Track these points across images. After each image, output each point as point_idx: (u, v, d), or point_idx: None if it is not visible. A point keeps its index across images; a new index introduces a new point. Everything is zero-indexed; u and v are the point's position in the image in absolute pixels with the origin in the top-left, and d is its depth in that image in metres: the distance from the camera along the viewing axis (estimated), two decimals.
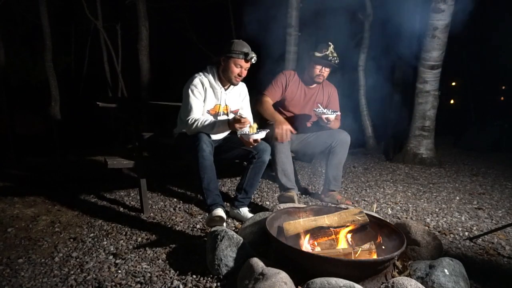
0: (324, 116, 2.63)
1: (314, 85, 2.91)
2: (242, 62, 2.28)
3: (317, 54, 2.73)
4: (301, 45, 5.43)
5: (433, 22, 4.42)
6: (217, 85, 2.38)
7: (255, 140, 2.20)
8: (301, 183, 3.53)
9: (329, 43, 2.75)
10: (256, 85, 3.02)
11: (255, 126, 2.22)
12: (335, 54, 2.73)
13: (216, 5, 9.55)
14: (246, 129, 2.33)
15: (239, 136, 2.25)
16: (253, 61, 2.29)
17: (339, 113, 2.73)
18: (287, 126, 2.57)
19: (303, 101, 2.92)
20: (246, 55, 2.25)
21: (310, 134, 2.94)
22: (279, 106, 2.93)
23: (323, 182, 2.97)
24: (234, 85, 2.42)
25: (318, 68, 2.78)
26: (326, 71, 2.81)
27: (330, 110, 2.71)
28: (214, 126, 2.18)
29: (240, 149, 2.38)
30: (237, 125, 2.11)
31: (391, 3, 4.52)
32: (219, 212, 2.07)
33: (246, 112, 2.60)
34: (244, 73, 2.35)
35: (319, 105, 2.83)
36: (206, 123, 2.20)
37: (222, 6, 9.51)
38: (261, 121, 2.82)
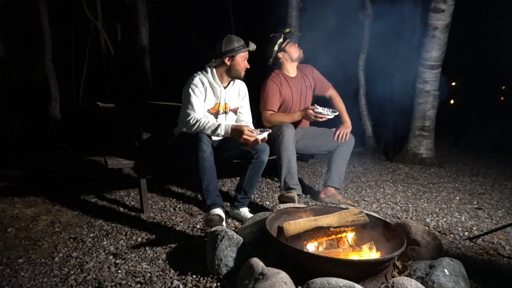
0: (327, 118, 2.66)
1: (295, 73, 2.93)
2: (246, 54, 2.38)
3: (281, 40, 2.81)
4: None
5: (433, 22, 4.42)
6: (217, 84, 2.39)
7: (257, 140, 2.20)
8: (301, 183, 3.52)
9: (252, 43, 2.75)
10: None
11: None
12: (287, 29, 2.89)
13: (216, 5, 9.54)
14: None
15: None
16: (251, 49, 2.39)
17: (337, 112, 2.73)
18: (307, 109, 2.68)
19: (296, 96, 2.91)
20: (247, 45, 2.36)
21: (314, 134, 2.95)
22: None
23: (324, 181, 2.96)
24: (241, 79, 2.47)
25: (295, 45, 2.87)
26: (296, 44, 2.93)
27: (330, 110, 2.71)
28: (216, 132, 2.19)
29: (239, 149, 2.38)
30: (245, 137, 2.13)
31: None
32: (218, 211, 2.07)
33: (245, 111, 2.60)
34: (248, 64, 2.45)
35: (316, 105, 2.82)
36: (208, 125, 2.20)
37: (222, 6, 9.51)
38: (261, 125, 2.82)
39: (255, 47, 2.40)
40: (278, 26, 5.35)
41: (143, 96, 6.16)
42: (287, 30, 2.87)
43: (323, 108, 2.70)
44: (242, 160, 2.47)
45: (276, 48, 2.82)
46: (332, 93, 3.05)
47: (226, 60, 2.33)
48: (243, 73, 2.42)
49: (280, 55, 2.85)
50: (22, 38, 9.85)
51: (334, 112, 2.69)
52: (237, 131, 2.16)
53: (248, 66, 2.42)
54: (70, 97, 11.52)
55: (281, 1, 5.36)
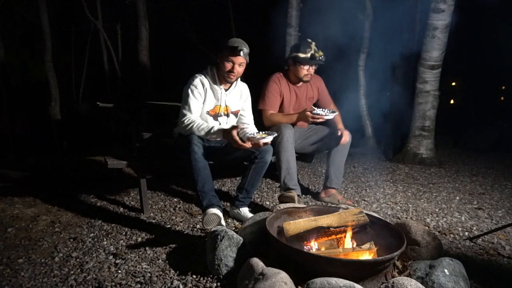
0: (325, 118, 2.65)
1: (300, 84, 2.91)
2: (232, 57, 2.24)
3: (302, 55, 2.71)
4: None
5: (433, 22, 4.42)
6: (217, 86, 2.37)
7: (264, 143, 2.16)
8: (301, 183, 3.53)
9: (309, 40, 2.72)
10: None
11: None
12: (320, 52, 2.73)
13: (216, 5, 9.54)
14: (248, 131, 2.34)
15: (247, 137, 2.18)
16: (241, 54, 2.24)
17: (336, 113, 2.71)
18: (305, 111, 2.61)
19: (296, 102, 2.91)
20: (233, 48, 2.22)
21: (311, 133, 2.95)
22: None
23: (323, 181, 2.97)
24: (229, 82, 2.38)
25: (305, 68, 2.76)
26: (312, 69, 2.81)
27: (329, 111, 2.70)
28: (209, 133, 2.18)
29: (242, 150, 2.38)
30: (235, 138, 2.10)
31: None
32: (215, 211, 2.07)
33: (247, 114, 2.59)
34: (238, 70, 2.29)
35: (314, 107, 2.80)
36: (202, 127, 2.19)
37: (222, 6, 9.51)
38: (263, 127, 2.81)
39: (244, 53, 2.25)
40: (282, 27, 5.34)
41: (143, 96, 6.17)
42: (318, 54, 2.72)
43: (322, 110, 2.69)
44: (245, 161, 2.47)
45: (294, 55, 2.72)
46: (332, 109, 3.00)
47: (218, 59, 2.32)
48: (226, 75, 2.29)
49: (290, 62, 2.79)
50: (22, 38, 9.86)
51: (334, 112, 2.68)
52: (227, 134, 2.11)
53: (235, 71, 2.28)
54: (70, 97, 11.52)
55: (281, 1, 5.36)
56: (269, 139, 2.15)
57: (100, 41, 8.32)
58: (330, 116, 2.64)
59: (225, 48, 2.26)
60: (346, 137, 2.82)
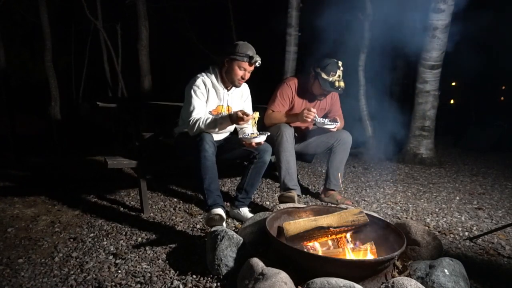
0: (324, 127, 2.66)
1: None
2: (246, 65, 2.26)
3: (324, 76, 2.61)
4: None
5: (433, 22, 4.42)
6: (220, 86, 2.37)
7: (257, 143, 2.19)
8: (301, 183, 3.53)
9: (339, 65, 2.62)
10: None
11: (257, 115, 2.22)
12: (342, 83, 2.61)
13: (216, 5, 9.54)
14: (247, 131, 2.34)
15: (240, 138, 2.24)
16: (257, 64, 2.27)
17: (338, 123, 2.70)
18: (303, 110, 2.58)
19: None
20: (250, 58, 2.23)
21: (311, 133, 2.95)
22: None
23: (324, 182, 2.97)
24: (237, 87, 2.40)
25: (324, 96, 2.75)
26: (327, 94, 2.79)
27: (329, 120, 2.70)
28: (217, 124, 2.18)
29: (241, 149, 2.38)
30: (240, 122, 2.13)
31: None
32: (219, 211, 2.07)
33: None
34: (248, 76, 2.33)
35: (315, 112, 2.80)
36: (208, 121, 2.20)
37: (222, 6, 9.51)
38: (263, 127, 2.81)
39: (259, 63, 2.27)
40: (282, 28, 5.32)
41: (143, 96, 6.17)
42: (339, 84, 2.61)
43: (324, 119, 2.70)
44: (244, 160, 2.47)
45: (318, 70, 2.63)
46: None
47: (225, 61, 2.31)
48: (237, 81, 2.33)
49: (313, 74, 2.70)
50: (22, 38, 9.86)
51: (335, 122, 2.68)
52: (233, 118, 2.15)
53: (245, 78, 2.32)
54: (70, 97, 11.52)
55: (281, 1, 5.36)
56: (261, 138, 2.16)
57: (100, 41, 8.30)
58: (331, 126, 2.64)
59: (238, 54, 2.23)
60: (347, 135, 2.82)
